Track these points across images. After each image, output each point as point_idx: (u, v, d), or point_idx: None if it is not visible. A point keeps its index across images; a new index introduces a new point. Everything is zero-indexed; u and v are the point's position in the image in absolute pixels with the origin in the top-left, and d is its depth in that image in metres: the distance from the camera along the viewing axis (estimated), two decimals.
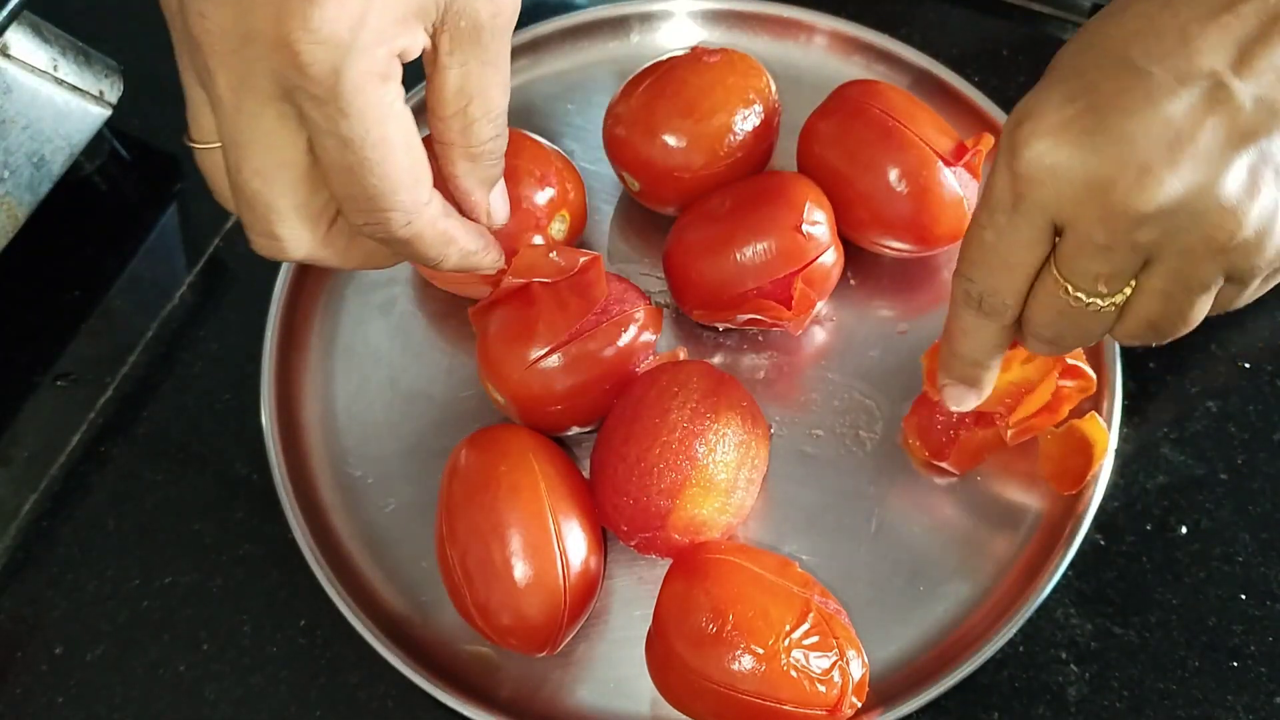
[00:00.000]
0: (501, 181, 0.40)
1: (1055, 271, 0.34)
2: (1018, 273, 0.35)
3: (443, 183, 0.38)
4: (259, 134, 0.32)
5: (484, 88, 0.36)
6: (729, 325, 0.51)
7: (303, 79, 0.31)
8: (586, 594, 0.44)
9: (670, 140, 0.50)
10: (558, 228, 0.50)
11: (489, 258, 0.40)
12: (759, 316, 0.49)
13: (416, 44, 0.33)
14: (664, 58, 0.52)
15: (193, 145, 0.36)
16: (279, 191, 0.34)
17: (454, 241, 0.37)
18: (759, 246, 0.47)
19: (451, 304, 0.53)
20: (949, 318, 0.40)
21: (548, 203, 0.49)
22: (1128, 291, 0.34)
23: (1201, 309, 0.35)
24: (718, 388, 0.45)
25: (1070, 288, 0.34)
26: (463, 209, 0.39)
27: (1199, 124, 0.31)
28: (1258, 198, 0.31)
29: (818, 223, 0.48)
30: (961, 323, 0.39)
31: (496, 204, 0.40)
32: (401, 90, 0.33)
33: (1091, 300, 0.34)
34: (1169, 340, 0.36)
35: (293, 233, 0.35)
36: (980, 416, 0.47)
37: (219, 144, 0.34)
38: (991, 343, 0.39)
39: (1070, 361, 0.46)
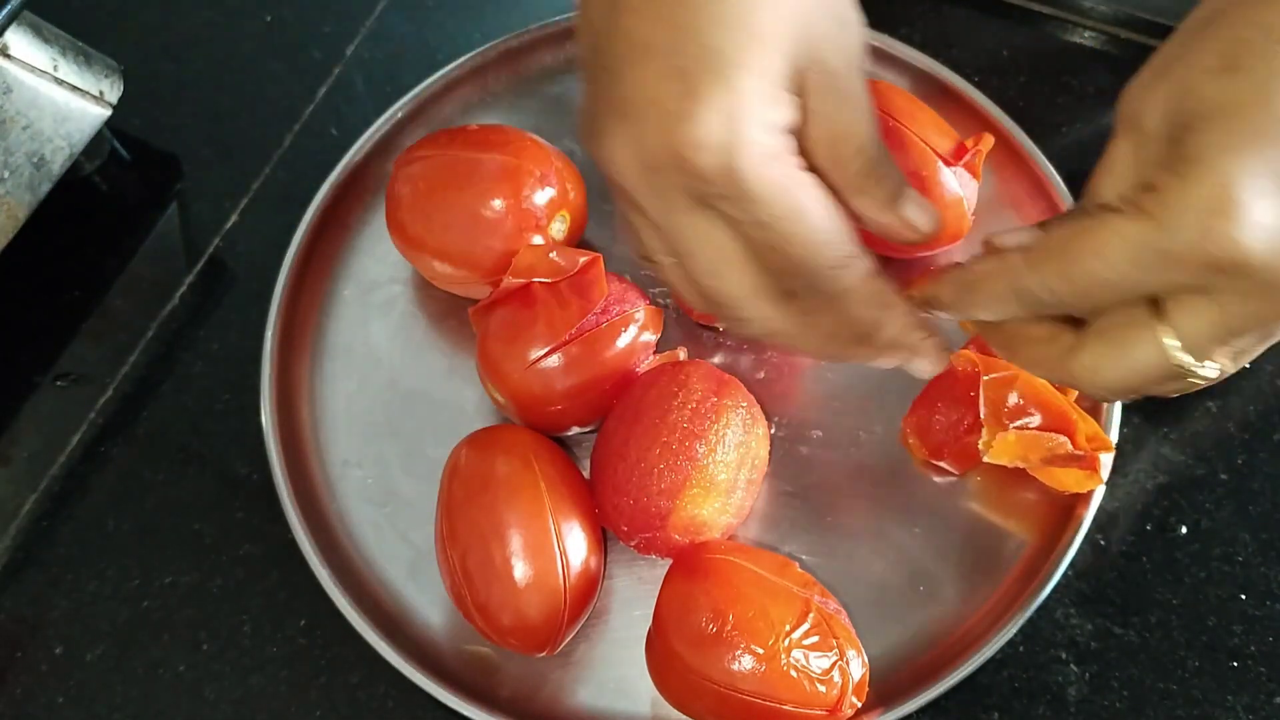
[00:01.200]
0: (909, 192, 0.38)
1: (1169, 331, 0.31)
2: (1086, 308, 0.33)
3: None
4: (696, 241, 0.34)
5: (849, 127, 0.35)
6: None
7: (706, 185, 0.32)
8: (586, 594, 0.44)
9: None
10: (558, 228, 0.50)
11: (929, 345, 0.38)
12: None
13: (789, 111, 0.33)
14: None
15: (650, 262, 0.37)
16: (733, 283, 0.35)
17: (892, 306, 0.36)
18: None
19: (451, 304, 0.53)
20: (982, 292, 0.35)
21: (548, 203, 0.49)
22: (1216, 375, 0.32)
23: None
24: (718, 388, 0.45)
25: (1181, 355, 0.31)
26: (890, 238, 0.38)
27: None
28: None
29: None
30: (1008, 311, 0.35)
31: (911, 214, 0.38)
32: (797, 158, 0.33)
33: (1193, 370, 0.32)
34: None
35: (758, 313, 0.36)
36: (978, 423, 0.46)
37: (672, 259, 0.36)
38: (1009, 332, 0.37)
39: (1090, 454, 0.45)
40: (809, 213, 0.33)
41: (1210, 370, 0.32)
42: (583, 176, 0.52)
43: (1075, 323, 0.35)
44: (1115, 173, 0.33)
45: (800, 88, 0.34)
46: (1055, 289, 0.32)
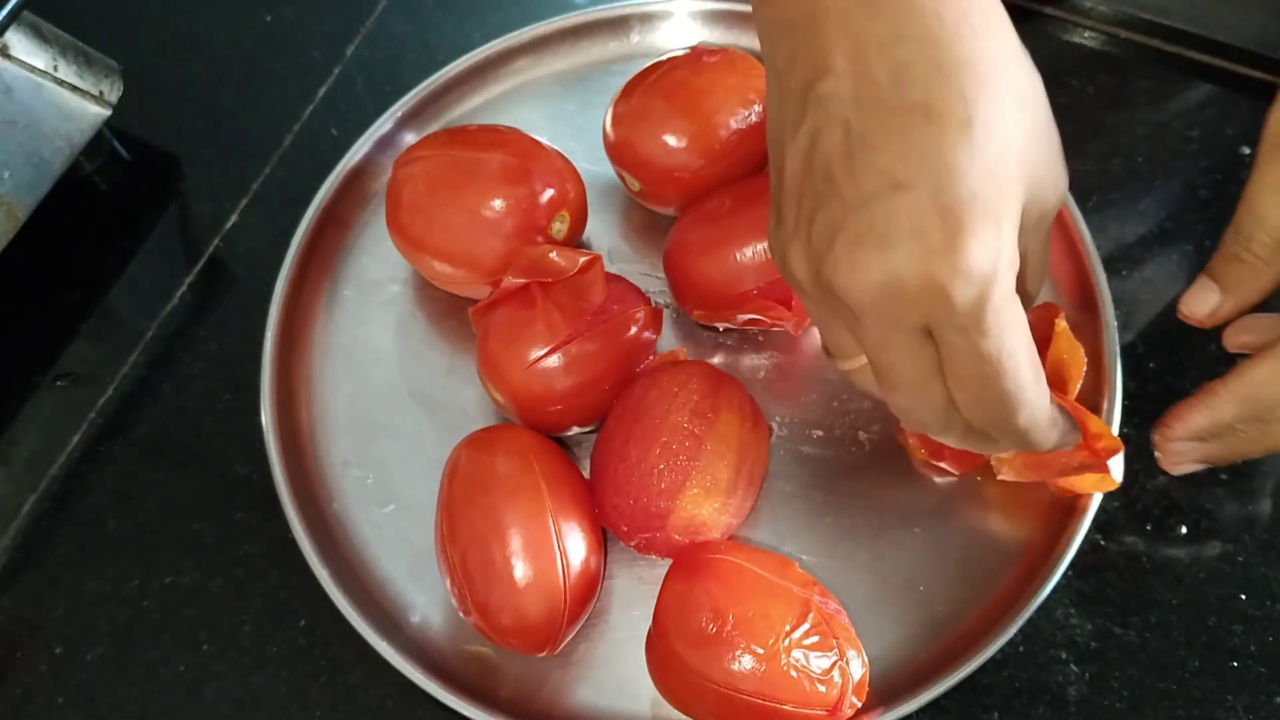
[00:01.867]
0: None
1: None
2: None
3: None
4: (901, 359, 0.35)
5: (1040, 261, 0.39)
6: (729, 325, 0.51)
7: (950, 313, 0.33)
8: (586, 594, 0.44)
9: (670, 140, 0.50)
10: (558, 228, 0.50)
11: (1074, 436, 0.41)
12: (759, 317, 0.49)
13: (1019, 253, 0.35)
14: (664, 58, 0.52)
15: (841, 364, 0.39)
16: (920, 397, 0.36)
17: (1058, 423, 0.39)
18: (759, 246, 0.47)
19: (451, 304, 0.53)
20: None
21: (548, 203, 0.49)
22: None
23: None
24: (718, 388, 0.45)
25: None
26: None
27: None
28: None
29: None
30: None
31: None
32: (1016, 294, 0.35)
33: None
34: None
35: (937, 420, 0.37)
36: None
37: (863, 362, 0.38)
38: None
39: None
40: (1023, 351, 0.35)
41: None
42: (582, 177, 0.52)
43: None
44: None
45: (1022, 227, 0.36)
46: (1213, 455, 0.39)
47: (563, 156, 0.51)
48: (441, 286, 0.53)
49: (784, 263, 0.37)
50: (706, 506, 0.44)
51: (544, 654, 0.44)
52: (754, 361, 0.52)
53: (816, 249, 0.35)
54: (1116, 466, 0.45)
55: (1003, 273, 0.33)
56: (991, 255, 0.32)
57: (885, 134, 0.33)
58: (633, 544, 0.45)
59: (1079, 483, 0.46)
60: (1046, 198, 0.36)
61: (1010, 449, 0.40)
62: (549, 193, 0.49)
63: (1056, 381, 0.46)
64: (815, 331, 0.52)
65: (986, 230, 0.32)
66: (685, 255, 0.50)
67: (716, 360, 0.52)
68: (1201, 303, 0.43)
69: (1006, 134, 0.33)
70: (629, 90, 0.52)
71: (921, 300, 0.33)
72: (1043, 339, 0.48)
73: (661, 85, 0.51)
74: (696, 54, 0.52)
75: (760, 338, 0.52)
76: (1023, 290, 0.38)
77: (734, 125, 0.50)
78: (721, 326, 0.52)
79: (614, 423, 0.46)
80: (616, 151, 0.52)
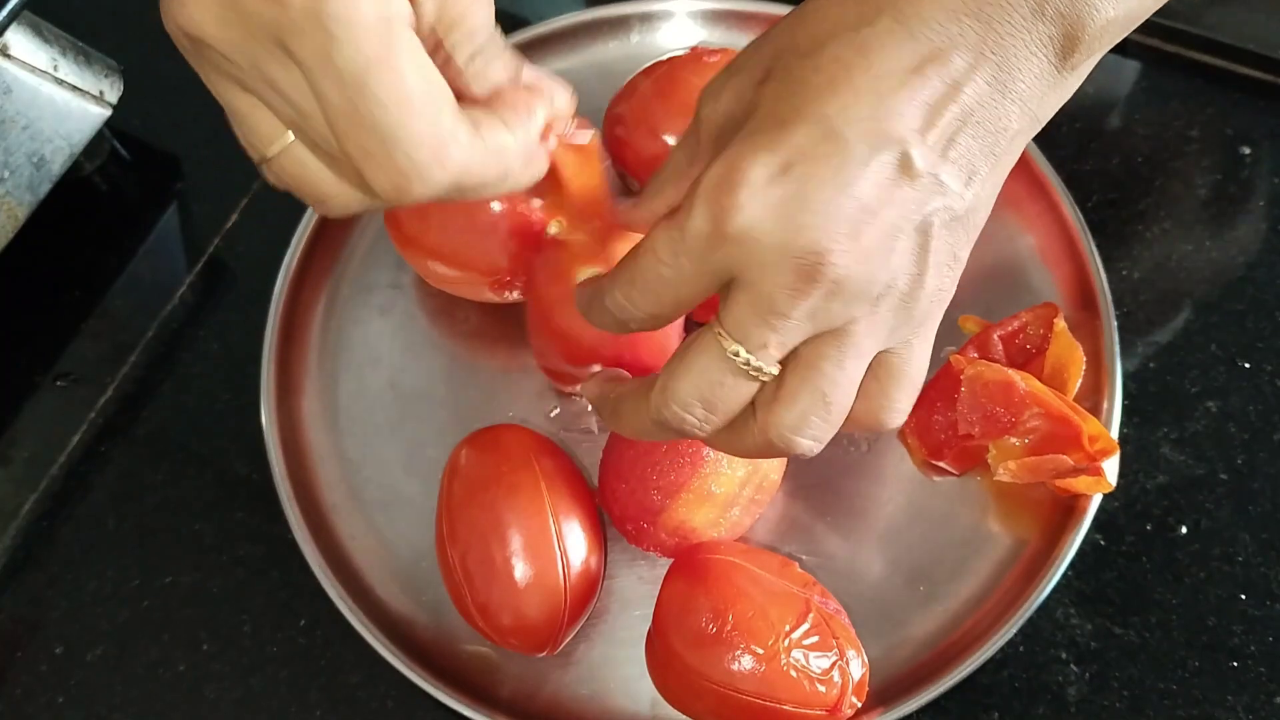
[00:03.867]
0: (530, 70, 0.36)
1: (719, 325, 0.33)
2: (678, 310, 0.34)
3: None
4: (280, 89, 0.30)
5: (463, 13, 0.33)
6: None
7: (281, 10, 0.28)
8: (587, 594, 0.44)
9: (670, 140, 0.50)
10: (555, 230, 0.50)
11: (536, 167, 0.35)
12: None
13: None
14: (664, 58, 0.52)
15: (267, 160, 0.33)
16: (307, 172, 0.32)
17: (501, 180, 0.33)
18: None
19: (451, 304, 0.53)
20: (602, 302, 0.35)
21: (544, 206, 0.49)
22: (775, 370, 0.33)
23: (846, 392, 0.34)
24: None
25: (732, 345, 0.32)
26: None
27: (885, 202, 0.31)
28: (922, 274, 0.32)
29: None
30: (600, 320, 0.36)
31: (529, 78, 0.35)
32: (406, 11, 0.29)
33: (749, 361, 0.32)
34: (819, 437, 0.35)
35: (337, 202, 0.33)
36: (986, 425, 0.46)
37: (285, 137, 0.32)
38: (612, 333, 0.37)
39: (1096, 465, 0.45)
40: (408, 72, 0.29)
41: (770, 365, 0.32)
42: None
43: None
44: (669, 166, 0.36)
45: None
46: (628, 295, 0.34)
47: None
48: (439, 286, 0.52)
49: (176, 40, 0.32)
50: (699, 515, 0.44)
51: (544, 654, 0.44)
52: None
53: (168, 9, 0.31)
54: (1111, 468, 0.45)
55: None
56: None
57: None
58: (625, 530, 0.45)
59: (1075, 484, 0.46)
60: None
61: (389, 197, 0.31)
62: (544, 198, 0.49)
63: (1056, 381, 0.46)
64: None
65: None
66: None
67: None
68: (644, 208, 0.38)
69: None
70: (628, 90, 0.52)
71: (260, 15, 0.29)
72: (1042, 339, 0.48)
73: (661, 85, 0.51)
74: (696, 54, 0.52)
75: None
76: (446, 60, 0.32)
77: None
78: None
79: None
80: (616, 151, 0.52)
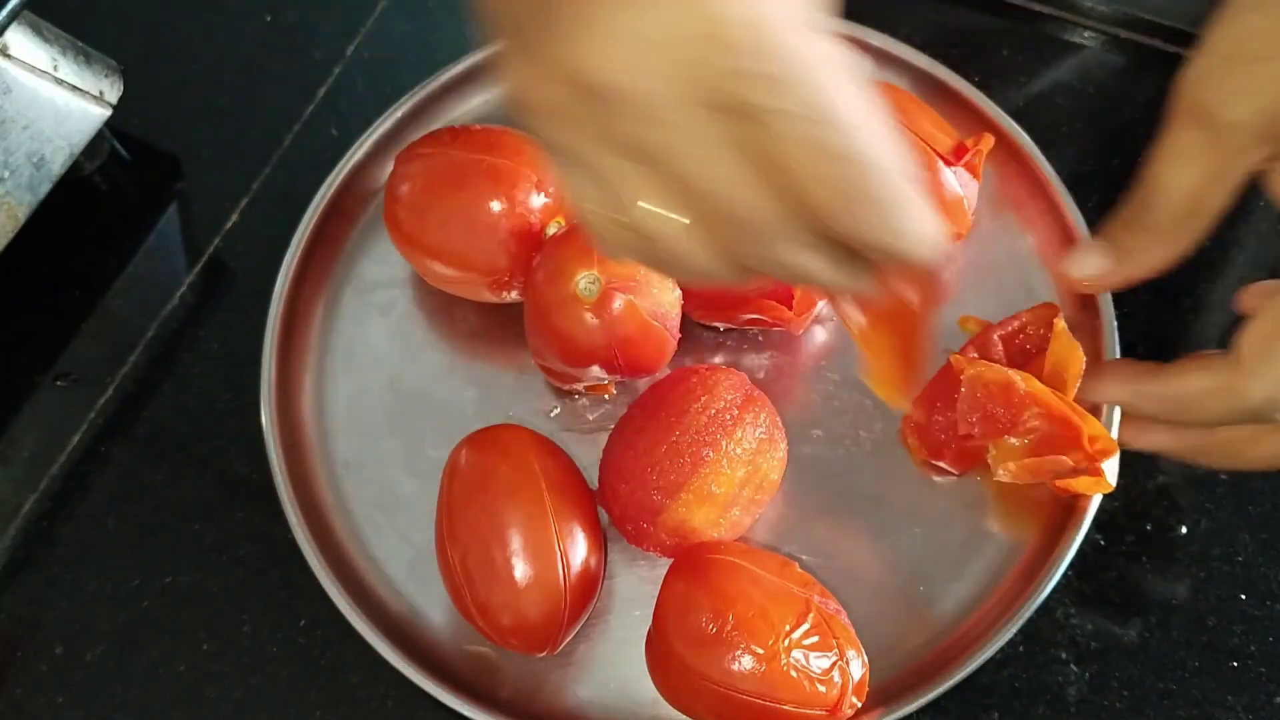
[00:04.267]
0: None
1: None
2: None
3: None
4: (705, 157, 0.26)
5: None
6: (730, 325, 0.51)
7: (736, 60, 0.25)
8: (587, 594, 0.44)
9: None
10: (554, 230, 0.50)
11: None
12: (761, 316, 0.49)
13: None
14: None
15: (614, 216, 0.28)
16: (753, 206, 0.27)
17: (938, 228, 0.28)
18: None
19: (451, 304, 0.53)
20: (1200, 411, 0.36)
21: (543, 207, 0.49)
22: None
23: None
24: (746, 402, 0.45)
25: None
26: None
27: None
28: None
29: None
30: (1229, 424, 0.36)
31: None
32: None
33: None
34: None
35: (792, 249, 0.28)
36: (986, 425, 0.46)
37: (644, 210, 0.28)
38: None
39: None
40: (867, 109, 0.25)
41: None
42: None
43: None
44: (1190, 161, 0.33)
45: None
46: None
47: None
48: (438, 285, 0.52)
49: (524, 97, 0.27)
50: (699, 515, 0.44)
51: (544, 654, 0.44)
52: (754, 361, 0.52)
53: (555, 54, 0.26)
54: (1112, 469, 0.45)
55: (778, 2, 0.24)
56: None
57: None
58: (625, 530, 0.45)
59: (1075, 484, 0.46)
60: None
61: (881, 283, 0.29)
62: (543, 198, 0.49)
63: (1056, 381, 0.46)
64: (815, 331, 0.52)
65: None
66: None
67: (716, 360, 0.52)
68: (1090, 265, 0.38)
69: None
70: None
71: (697, 58, 0.25)
72: (1042, 339, 0.48)
73: None
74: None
75: (760, 338, 0.52)
76: None
77: None
78: (722, 326, 0.52)
79: (635, 410, 0.46)
80: None
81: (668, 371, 0.48)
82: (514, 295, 0.50)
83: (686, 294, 0.51)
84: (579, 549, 0.44)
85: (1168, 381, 0.36)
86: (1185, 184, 0.34)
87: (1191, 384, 0.35)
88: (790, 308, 0.48)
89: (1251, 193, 0.56)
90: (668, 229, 0.27)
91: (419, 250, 0.50)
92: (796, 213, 0.26)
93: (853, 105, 0.25)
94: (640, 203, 0.27)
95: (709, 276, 0.29)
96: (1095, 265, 0.38)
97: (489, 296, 0.50)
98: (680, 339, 0.53)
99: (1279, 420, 0.33)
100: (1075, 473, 0.45)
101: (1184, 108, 0.34)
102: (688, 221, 0.27)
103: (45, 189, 0.54)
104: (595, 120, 0.26)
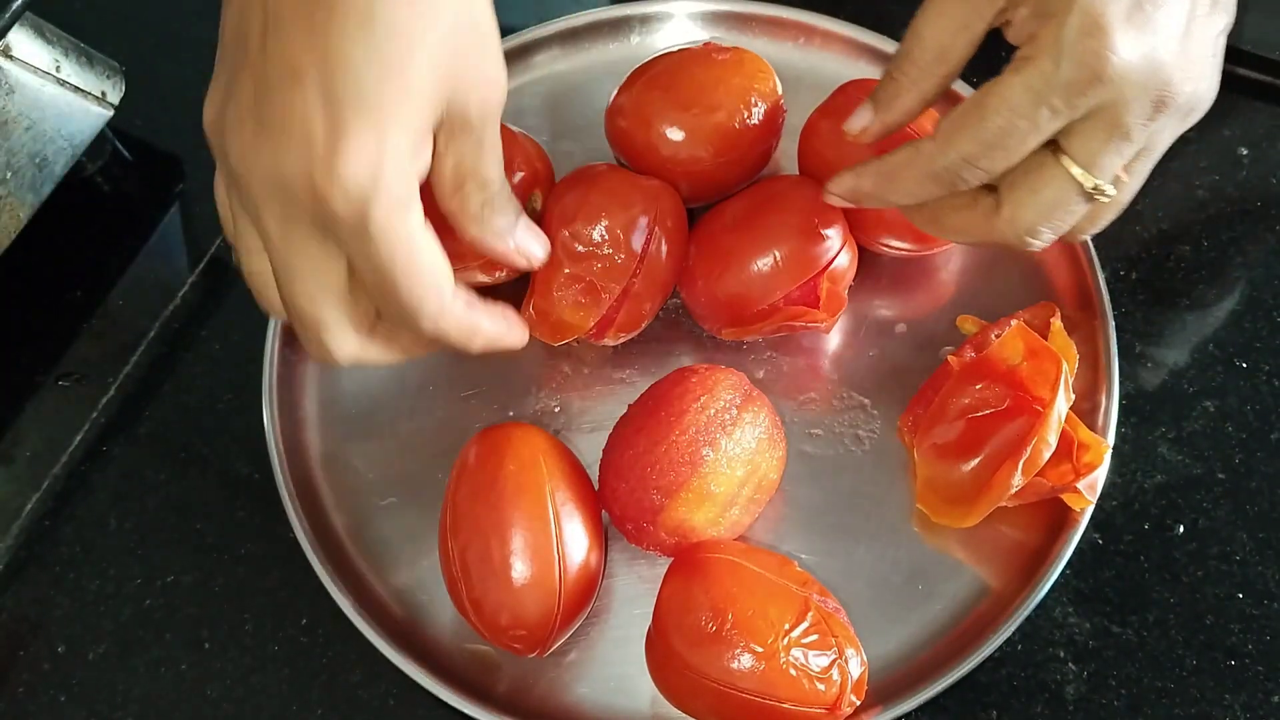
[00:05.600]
0: (525, 221, 0.43)
1: (1072, 163, 0.37)
2: (1009, 163, 0.38)
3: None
4: (305, 262, 0.36)
5: (476, 167, 0.38)
6: (762, 338, 0.52)
7: (333, 220, 0.34)
8: (583, 597, 0.45)
9: (668, 131, 0.50)
10: (532, 207, 0.50)
11: (512, 337, 0.43)
12: (792, 323, 0.49)
13: (425, 158, 0.36)
14: (676, 49, 0.53)
15: (238, 251, 0.39)
16: (326, 309, 0.37)
17: (479, 330, 0.40)
18: (775, 254, 0.47)
19: None
20: (904, 179, 0.40)
21: (521, 183, 0.49)
22: (1114, 191, 0.38)
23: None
24: (744, 401, 0.45)
25: (1090, 180, 0.37)
26: (508, 264, 0.43)
27: (1200, 25, 0.36)
28: (1215, 78, 0.38)
29: (833, 222, 0.48)
30: (929, 192, 0.40)
31: (525, 243, 0.42)
32: (420, 209, 0.35)
33: (1097, 186, 0.37)
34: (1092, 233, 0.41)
35: (340, 342, 0.38)
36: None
37: (263, 261, 0.38)
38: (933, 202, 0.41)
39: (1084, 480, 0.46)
40: (421, 266, 0.36)
41: (1111, 188, 0.38)
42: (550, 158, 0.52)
43: (988, 189, 0.40)
44: (942, 14, 0.39)
45: (438, 131, 0.36)
46: (970, 154, 0.37)
47: (529, 139, 0.52)
48: None
49: (212, 130, 0.36)
50: (699, 514, 0.44)
51: (534, 655, 0.44)
52: (754, 361, 0.52)
53: (227, 125, 0.35)
54: (1092, 483, 0.45)
55: (388, 183, 0.33)
56: (370, 164, 0.33)
57: (295, 18, 0.33)
58: (625, 529, 0.46)
59: (1065, 498, 0.46)
60: (471, 106, 0.36)
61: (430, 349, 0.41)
62: (520, 174, 0.49)
63: (1048, 380, 0.46)
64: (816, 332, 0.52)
65: (365, 137, 0.32)
66: (703, 282, 0.49)
67: (716, 360, 0.52)
68: (858, 119, 0.42)
69: (414, 30, 0.33)
70: (631, 81, 0.52)
71: (307, 203, 0.33)
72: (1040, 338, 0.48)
73: (666, 77, 0.51)
74: (708, 49, 0.52)
75: (760, 338, 0.52)
76: (465, 197, 0.38)
77: (734, 123, 0.50)
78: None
79: (635, 410, 0.46)
80: (616, 138, 0.52)
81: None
82: (504, 274, 0.50)
83: (709, 319, 0.51)
84: (579, 552, 0.44)
85: (880, 160, 0.41)
86: (936, 32, 0.39)
87: (899, 156, 0.40)
88: (819, 305, 0.48)
89: (1250, 192, 0.56)
90: (256, 272, 0.39)
91: None
92: (349, 318, 0.38)
93: (410, 267, 0.35)
94: (242, 258, 0.39)
95: (279, 316, 0.40)
96: (862, 118, 0.42)
97: (483, 278, 0.50)
98: (680, 339, 0.53)
99: (968, 184, 0.39)
100: (1056, 490, 0.45)
101: None
102: (260, 265, 0.38)
103: (48, 189, 0.54)
104: (240, 198, 0.36)
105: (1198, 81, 0.36)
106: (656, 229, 0.48)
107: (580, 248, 0.47)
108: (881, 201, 0.42)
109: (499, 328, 0.41)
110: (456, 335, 0.39)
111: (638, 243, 0.48)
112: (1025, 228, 0.39)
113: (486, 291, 0.52)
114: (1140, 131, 0.36)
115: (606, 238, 0.47)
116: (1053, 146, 0.37)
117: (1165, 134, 0.38)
